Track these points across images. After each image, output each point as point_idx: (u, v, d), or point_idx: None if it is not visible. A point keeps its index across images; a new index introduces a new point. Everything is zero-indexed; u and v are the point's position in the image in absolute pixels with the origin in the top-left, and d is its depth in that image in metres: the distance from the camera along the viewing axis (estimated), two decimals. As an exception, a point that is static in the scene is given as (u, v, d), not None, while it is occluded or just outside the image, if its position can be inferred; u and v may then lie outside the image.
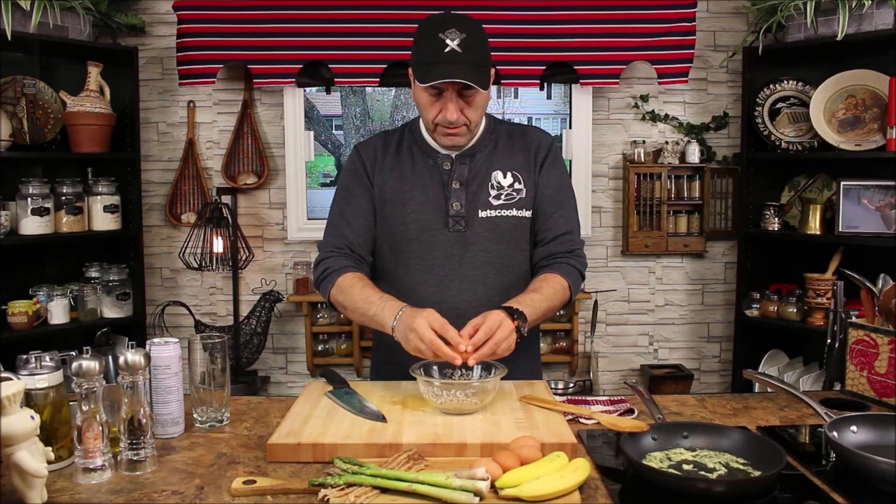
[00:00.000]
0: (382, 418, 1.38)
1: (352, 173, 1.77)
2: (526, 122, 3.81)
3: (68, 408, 1.28)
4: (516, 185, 1.71)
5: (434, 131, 1.67)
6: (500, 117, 1.89)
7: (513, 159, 1.73)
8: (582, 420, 1.46)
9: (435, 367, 1.50)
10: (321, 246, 1.76)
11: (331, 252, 1.71)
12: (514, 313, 1.49)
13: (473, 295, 1.67)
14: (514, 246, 1.71)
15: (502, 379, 1.49)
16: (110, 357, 2.39)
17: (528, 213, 1.72)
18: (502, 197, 1.70)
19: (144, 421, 1.23)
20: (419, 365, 1.48)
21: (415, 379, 1.46)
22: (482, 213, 1.68)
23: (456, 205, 1.68)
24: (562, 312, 3.54)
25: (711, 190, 3.57)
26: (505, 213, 1.69)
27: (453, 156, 1.72)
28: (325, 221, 1.79)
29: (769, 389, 1.64)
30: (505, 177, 1.71)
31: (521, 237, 1.72)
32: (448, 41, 1.56)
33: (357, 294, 1.61)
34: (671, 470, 1.19)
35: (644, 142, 3.54)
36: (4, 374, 1.15)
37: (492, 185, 1.70)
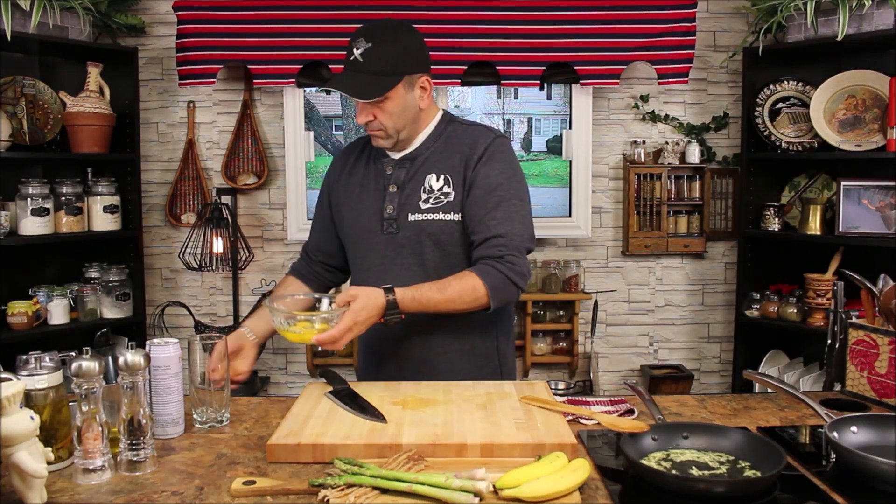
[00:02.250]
0: (382, 419, 1.38)
1: (322, 185, 1.92)
2: (526, 122, 3.82)
3: (68, 408, 1.28)
4: (445, 189, 1.71)
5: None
6: (461, 116, 1.90)
7: (449, 161, 1.72)
8: (582, 420, 1.47)
9: (288, 300, 1.72)
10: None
11: (299, 254, 1.98)
12: (388, 308, 1.56)
13: None
14: (442, 249, 1.71)
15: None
16: (110, 357, 2.40)
17: (456, 217, 1.70)
18: (430, 201, 1.71)
19: (144, 421, 1.23)
20: (276, 300, 1.67)
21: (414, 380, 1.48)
22: (411, 217, 1.71)
23: (389, 208, 1.72)
24: (561, 313, 3.54)
25: (711, 190, 3.57)
26: (431, 216, 1.70)
27: (396, 158, 1.76)
28: None
29: (769, 390, 1.64)
30: (438, 180, 1.71)
31: (448, 240, 1.70)
32: (354, 49, 1.64)
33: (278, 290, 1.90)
34: (671, 470, 1.19)
35: (644, 142, 3.54)
36: (4, 375, 1.15)
37: (424, 188, 1.71)
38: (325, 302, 1.68)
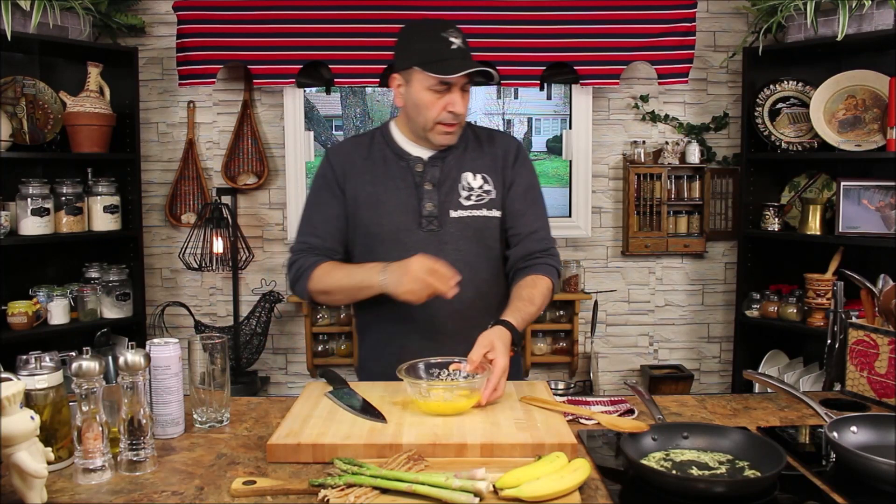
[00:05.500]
0: (382, 418, 1.38)
1: (321, 179, 1.81)
2: (526, 122, 3.82)
3: (68, 408, 1.28)
4: (486, 187, 1.77)
5: (432, 130, 1.71)
6: (481, 120, 1.92)
7: (482, 162, 1.78)
8: (582, 420, 1.47)
9: (421, 367, 1.52)
10: (291, 250, 1.81)
11: (299, 254, 1.76)
12: (514, 342, 1.57)
13: None
14: (485, 244, 1.77)
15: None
16: (110, 357, 2.39)
17: (497, 213, 1.78)
18: (473, 197, 1.75)
19: (144, 421, 1.23)
20: (406, 366, 1.49)
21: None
22: (454, 213, 1.74)
23: (429, 205, 1.73)
24: (561, 313, 3.55)
25: (711, 190, 3.57)
26: (475, 213, 1.75)
27: (426, 157, 1.76)
28: None
29: (769, 390, 1.64)
30: (475, 178, 1.77)
31: (490, 236, 1.77)
32: (452, 39, 1.65)
33: (338, 272, 1.71)
34: (671, 471, 1.19)
35: (644, 142, 3.54)
36: (4, 375, 1.15)
37: (462, 185, 1.75)
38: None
